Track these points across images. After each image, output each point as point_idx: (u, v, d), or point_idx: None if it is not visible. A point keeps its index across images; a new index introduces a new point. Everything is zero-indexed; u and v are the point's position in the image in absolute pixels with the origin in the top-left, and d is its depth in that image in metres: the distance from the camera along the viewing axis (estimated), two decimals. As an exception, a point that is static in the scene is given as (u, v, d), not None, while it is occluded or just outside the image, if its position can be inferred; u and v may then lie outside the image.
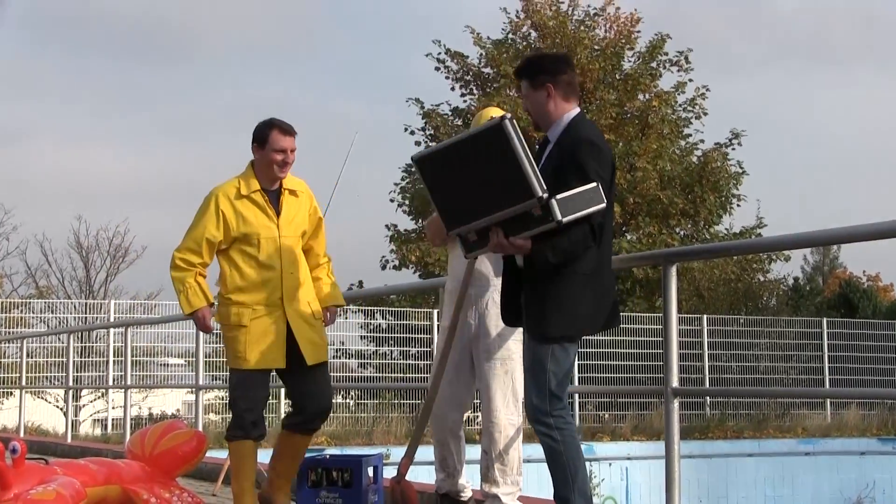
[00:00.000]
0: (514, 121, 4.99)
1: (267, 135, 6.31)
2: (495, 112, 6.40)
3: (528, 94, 5.42)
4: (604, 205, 5.07)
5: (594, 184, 5.03)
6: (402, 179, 28.52)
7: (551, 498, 5.46)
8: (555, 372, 5.20)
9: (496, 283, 6.21)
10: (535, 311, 5.21)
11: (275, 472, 6.57)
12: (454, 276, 6.43)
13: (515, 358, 6.18)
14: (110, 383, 21.58)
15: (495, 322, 6.17)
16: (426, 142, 28.29)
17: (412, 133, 28.37)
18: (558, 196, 4.93)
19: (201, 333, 11.18)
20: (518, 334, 6.00)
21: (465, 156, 5.12)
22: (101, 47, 73.51)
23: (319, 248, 6.64)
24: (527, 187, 4.91)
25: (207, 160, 72.30)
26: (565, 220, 4.93)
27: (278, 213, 6.36)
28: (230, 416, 6.49)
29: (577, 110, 5.38)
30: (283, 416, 17.76)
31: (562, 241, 5.03)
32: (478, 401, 6.48)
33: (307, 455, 6.93)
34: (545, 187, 4.91)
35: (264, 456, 6.81)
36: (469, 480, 6.54)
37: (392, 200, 28.37)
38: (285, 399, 20.03)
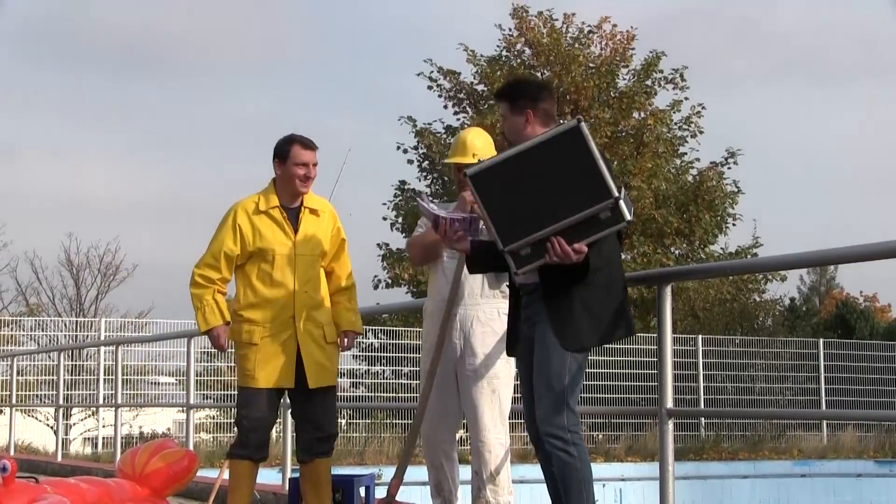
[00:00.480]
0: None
1: (288, 150, 6.29)
2: (476, 134, 6.36)
3: (506, 116, 5.44)
4: (632, 207, 5.06)
5: (622, 188, 5.00)
6: (395, 196, 28.44)
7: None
8: (571, 386, 5.19)
9: (481, 302, 6.20)
10: (562, 321, 5.15)
11: None
12: (435, 296, 6.39)
13: (501, 377, 6.19)
14: (101, 402, 21.49)
15: (481, 340, 6.18)
16: (418, 160, 28.24)
17: (405, 151, 28.34)
18: (622, 194, 4.91)
19: (192, 352, 11.15)
20: (504, 353, 5.99)
21: (532, 163, 5.01)
22: (95, 62, 73.53)
23: (342, 270, 6.53)
24: (603, 189, 4.88)
25: (200, 177, 72.31)
26: (631, 219, 4.93)
27: (296, 231, 6.30)
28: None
29: None
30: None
31: (602, 246, 5.04)
32: (465, 420, 6.42)
33: (296, 476, 6.84)
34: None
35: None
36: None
37: (385, 218, 28.29)
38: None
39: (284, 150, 6.30)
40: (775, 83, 79.32)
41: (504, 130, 5.50)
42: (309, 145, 6.32)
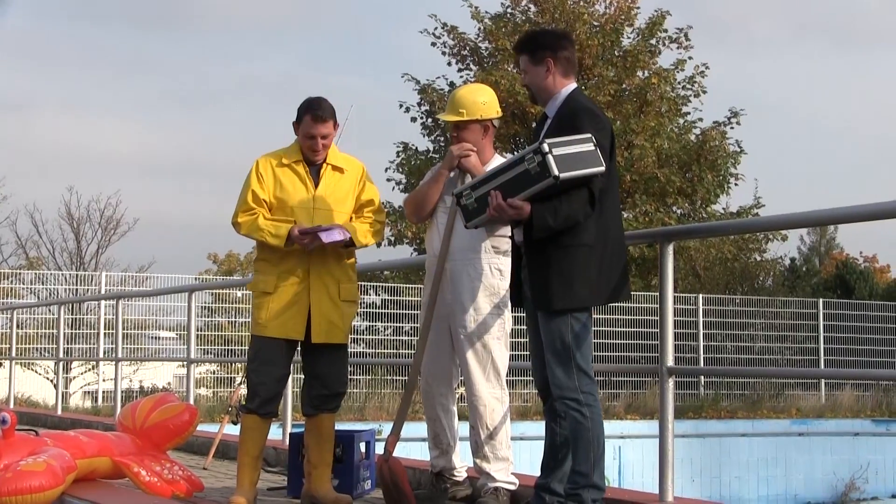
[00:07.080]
0: None
1: (301, 118, 6.26)
2: (467, 90, 6.36)
3: (527, 68, 5.47)
4: (602, 168, 5.08)
5: (591, 145, 4.99)
6: (398, 155, 28.35)
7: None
8: (576, 346, 5.22)
9: (472, 257, 6.19)
10: (538, 283, 5.24)
11: (310, 465, 6.46)
12: (430, 252, 6.44)
13: (492, 331, 6.20)
14: (101, 355, 21.52)
15: (470, 296, 6.20)
16: (422, 118, 28.12)
17: (407, 110, 28.21)
18: (555, 150, 4.97)
19: (193, 307, 11.10)
20: (495, 309, 6.12)
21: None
22: (104, 16, 73.34)
23: (371, 203, 6.50)
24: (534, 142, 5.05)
25: (205, 133, 72.19)
26: (563, 176, 4.96)
27: (316, 185, 6.28)
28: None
29: (574, 85, 5.45)
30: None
31: (561, 205, 5.07)
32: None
33: (297, 431, 6.84)
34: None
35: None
36: (464, 461, 6.48)
37: (389, 180, 28.23)
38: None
39: (299, 116, 6.26)
40: (796, 45, 78.76)
41: (526, 83, 5.57)
42: (321, 118, 6.20)
